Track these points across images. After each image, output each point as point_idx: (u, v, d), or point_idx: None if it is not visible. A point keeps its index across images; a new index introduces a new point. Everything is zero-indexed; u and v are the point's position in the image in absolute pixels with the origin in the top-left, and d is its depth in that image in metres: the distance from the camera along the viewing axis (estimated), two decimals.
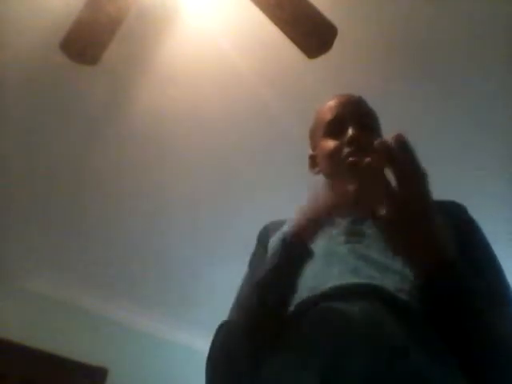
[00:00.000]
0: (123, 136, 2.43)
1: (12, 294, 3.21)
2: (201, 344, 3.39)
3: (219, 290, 2.74)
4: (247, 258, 1.01)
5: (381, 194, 0.67)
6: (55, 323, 3.26)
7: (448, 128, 2.28)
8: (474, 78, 2.10)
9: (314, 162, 1.06)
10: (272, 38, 1.82)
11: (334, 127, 0.99)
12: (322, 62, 1.81)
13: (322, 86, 2.08)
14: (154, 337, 3.60)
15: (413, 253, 0.69)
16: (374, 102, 1.06)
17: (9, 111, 2.31)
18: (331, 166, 0.98)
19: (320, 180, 0.93)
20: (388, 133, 1.05)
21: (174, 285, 3.29)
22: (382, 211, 0.67)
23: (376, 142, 0.65)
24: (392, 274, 0.77)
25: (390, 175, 0.67)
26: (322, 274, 0.82)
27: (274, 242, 0.94)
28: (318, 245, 0.88)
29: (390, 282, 0.76)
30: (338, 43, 1.72)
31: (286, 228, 0.84)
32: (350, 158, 0.91)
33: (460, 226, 0.85)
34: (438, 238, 0.68)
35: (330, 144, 0.97)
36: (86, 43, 1.72)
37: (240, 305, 0.85)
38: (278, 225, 1.00)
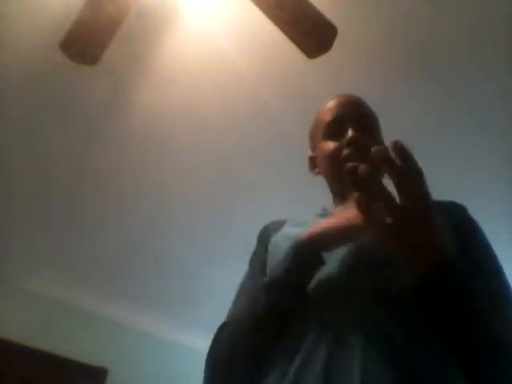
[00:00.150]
0: (123, 136, 2.43)
1: (12, 294, 3.21)
2: (201, 344, 3.38)
3: (219, 290, 2.74)
4: (247, 258, 1.01)
5: (381, 200, 0.67)
6: (55, 323, 3.27)
7: (448, 128, 2.28)
8: (473, 78, 2.10)
9: (313, 163, 1.06)
10: (272, 38, 1.82)
11: (334, 128, 0.99)
12: (321, 62, 1.81)
13: (322, 85, 2.08)
14: (154, 337, 3.60)
15: (413, 254, 0.69)
16: (373, 102, 1.06)
17: (9, 111, 2.31)
18: (331, 167, 0.98)
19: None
20: (388, 133, 1.05)
21: (174, 285, 3.29)
22: (382, 217, 0.67)
23: (373, 149, 0.64)
24: (392, 274, 0.77)
25: (386, 180, 0.67)
26: (321, 275, 0.82)
27: (276, 242, 0.94)
28: None
29: (390, 282, 0.75)
30: (337, 43, 1.72)
31: (299, 231, 0.83)
32: (349, 164, 0.91)
33: (460, 225, 0.85)
34: (438, 239, 0.68)
35: (330, 145, 0.97)
36: (86, 43, 1.72)
37: (244, 304, 0.85)
38: (278, 225, 1.00)
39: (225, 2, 1.91)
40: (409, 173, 0.64)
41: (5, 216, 2.84)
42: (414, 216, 0.65)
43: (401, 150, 0.63)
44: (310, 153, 1.09)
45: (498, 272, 0.82)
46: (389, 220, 0.65)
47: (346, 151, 0.93)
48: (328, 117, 1.01)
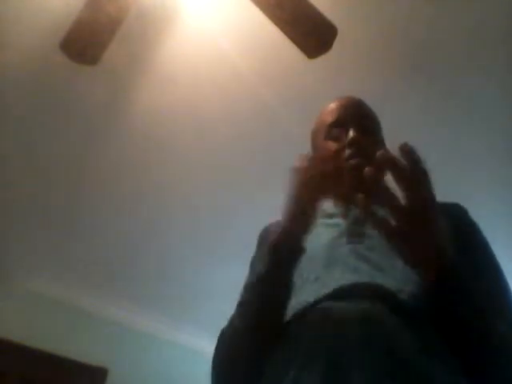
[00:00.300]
0: (123, 136, 2.43)
1: (12, 294, 3.21)
2: (201, 344, 3.40)
3: (219, 290, 2.74)
4: (247, 258, 1.01)
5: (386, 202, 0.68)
6: (55, 323, 3.26)
7: (448, 128, 2.28)
8: (473, 78, 2.10)
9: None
10: (272, 38, 1.82)
11: (335, 129, 1.00)
12: (321, 62, 1.81)
13: (322, 86, 2.08)
14: (154, 337, 3.60)
15: (415, 255, 0.69)
16: (373, 102, 1.06)
17: (9, 111, 2.31)
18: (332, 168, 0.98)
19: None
20: (388, 133, 1.05)
21: (174, 285, 3.29)
22: (380, 212, 0.68)
23: (378, 154, 0.66)
24: (393, 274, 0.77)
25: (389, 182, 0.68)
26: (323, 275, 0.82)
27: None
28: (320, 246, 0.88)
29: (390, 282, 0.76)
30: (337, 43, 1.72)
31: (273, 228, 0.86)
32: (351, 161, 0.92)
33: (461, 227, 0.85)
34: (439, 241, 0.68)
35: (331, 146, 0.98)
36: (86, 43, 1.72)
37: (239, 309, 0.86)
38: (278, 226, 1.01)
39: (225, 2, 1.91)
40: (415, 175, 0.66)
41: (5, 216, 2.84)
42: (418, 217, 0.66)
43: (409, 152, 0.65)
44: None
45: (497, 273, 0.83)
46: (393, 222, 0.66)
47: (347, 151, 0.94)
48: (329, 118, 1.02)
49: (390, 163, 0.66)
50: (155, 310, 3.54)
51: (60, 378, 3.13)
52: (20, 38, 2.02)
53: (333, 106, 1.05)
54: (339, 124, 1.00)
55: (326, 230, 0.93)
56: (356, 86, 1.86)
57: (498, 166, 2.42)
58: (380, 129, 1.05)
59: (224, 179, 2.60)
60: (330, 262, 0.84)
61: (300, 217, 0.82)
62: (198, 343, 3.46)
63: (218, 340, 0.86)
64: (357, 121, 0.98)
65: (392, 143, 0.79)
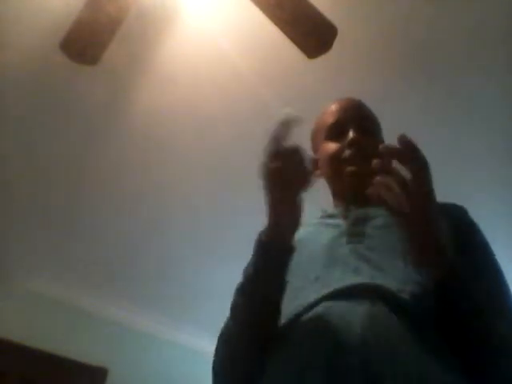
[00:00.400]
0: (123, 136, 2.43)
1: (12, 294, 3.21)
2: (201, 344, 3.40)
3: (219, 290, 2.74)
4: (247, 259, 1.01)
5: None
6: (55, 323, 3.26)
7: (448, 128, 2.28)
8: (473, 78, 2.10)
9: (315, 165, 1.07)
10: (272, 38, 1.82)
11: (336, 130, 1.00)
12: (321, 62, 1.81)
13: (322, 86, 2.08)
14: (154, 337, 3.60)
15: (418, 252, 0.70)
16: (373, 102, 1.06)
17: (9, 111, 2.31)
18: (331, 167, 0.99)
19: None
20: (388, 133, 1.06)
21: (174, 285, 3.29)
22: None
23: (381, 146, 0.67)
24: (393, 274, 0.77)
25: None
26: (323, 275, 0.82)
27: None
28: (320, 246, 0.88)
29: (391, 282, 0.76)
30: (337, 43, 1.72)
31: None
32: (349, 168, 0.93)
33: (461, 227, 0.85)
34: (440, 239, 0.69)
35: (331, 146, 0.99)
36: (86, 43, 1.72)
37: (231, 312, 0.85)
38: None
39: (225, 2, 1.91)
40: (416, 163, 0.67)
41: (5, 216, 2.84)
42: (423, 210, 0.68)
43: (407, 142, 0.67)
44: (311, 155, 1.10)
45: (497, 273, 0.83)
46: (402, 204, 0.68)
47: (347, 152, 0.95)
48: (330, 119, 1.03)
49: (395, 152, 0.67)
50: (155, 309, 3.53)
51: (60, 377, 3.13)
52: (20, 37, 2.02)
53: (333, 107, 1.05)
54: (339, 125, 1.01)
55: (327, 230, 0.93)
56: (356, 86, 1.87)
57: (498, 165, 2.42)
58: (380, 130, 1.06)
59: (224, 179, 2.60)
60: (330, 262, 0.84)
61: (281, 212, 0.78)
62: (198, 343, 3.46)
63: (218, 340, 0.86)
64: (357, 122, 0.99)
65: (392, 143, 0.79)
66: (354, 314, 0.71)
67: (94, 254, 3.10)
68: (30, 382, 3.02)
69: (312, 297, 0.78)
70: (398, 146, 0.67)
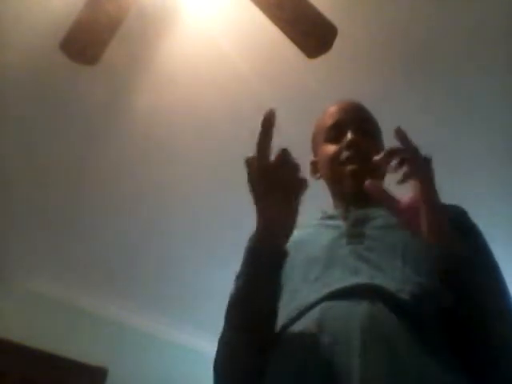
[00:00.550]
0: (123, 136, 2.43)
1: (12, 294, 3.21)
2: (201, 344, 3.40)
3: (219, 290, 2.73)
4: None
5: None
6: (55, 323, 3.26)
7: (448, 128, 2.28)
8: (473, 78, 2.10)
9: (315, 167, 1.08)
10: (272, 38, 1.82)
11: (335, 132, 1.01)
12: (321, 62, 1.81)
13: (322, 86, 2.08)
14: (154, 337, 3.60)
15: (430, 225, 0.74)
16: (373, 102, 1.06)
17: (9, 111, 2.31)
18: (331, 169, 0.99)
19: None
20: (388, 133, 1.05)
21: (174, 285, 3.29)
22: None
23: (385, 149, 0.72)
24: (392, 275, 0.77)
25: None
26: (323, 275, 0.82)
27: None
28: (320, 247, 0.88)
29: (390, 283, 0.76)
30: (337, 43, 1.72)
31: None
32: (349, 167, 0.93)
33: (460, 228, 0.85)
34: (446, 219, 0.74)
35: (330, 148, 0.99)
36: (85, 43, 1.72)
37: (226, 316, 0.83)
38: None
39: (225, 2, 1.91)
40: (419, 159, 0.72)
41: (5, 216, 2.84)
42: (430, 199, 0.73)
43: (403, 135, 0.73)
44: (311, 158, 1.10)
45: (497, 274, 0.83)
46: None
47: (345, 153, 0.95)
48: (329, 121, 1.03)
49: (398, 151, 0.71)
50: (155, 309, 3.53)
51: (60, 378, 3.13)
52: (20, 37, 2.02)
53: (333, 109, 1.06)
54: (339, 127, 1.01)
55: (327, 231, 0.93)
56: (356, 86, 1.87)
57: (498, 166, 2.42)
58: (380, 133, 1.06)
59: (224, 179, 2.60)
60: (330, 262, 0.84)
61: (270, 216, 0.76)
62: (198, 343, 3.46)
63: (218, 341, 0.86)
64: (356, 124, 0.99)
65: (392, 143, 0.79)
66: (354, 314, 0.71)
67: (93, 254, 3.09)
68: (30, 382, 3.02)
69: (312, 297, 0.78)
70: (397, 146, 0.68)
